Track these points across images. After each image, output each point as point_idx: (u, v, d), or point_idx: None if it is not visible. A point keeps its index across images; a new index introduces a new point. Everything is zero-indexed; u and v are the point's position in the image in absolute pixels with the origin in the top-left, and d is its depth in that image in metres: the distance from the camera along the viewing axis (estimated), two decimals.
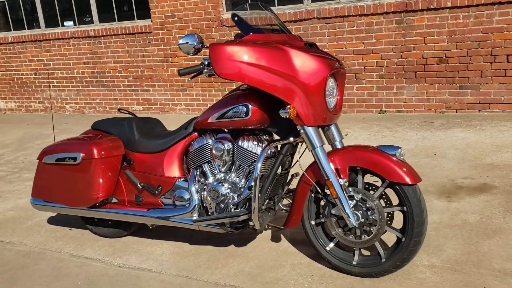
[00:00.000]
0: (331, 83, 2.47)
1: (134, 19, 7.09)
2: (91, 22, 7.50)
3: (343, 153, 2.43)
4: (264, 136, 2.66)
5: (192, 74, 2.52)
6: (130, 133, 2.97)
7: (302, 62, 2.34)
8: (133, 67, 7.24)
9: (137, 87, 7.33)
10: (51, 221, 3.66)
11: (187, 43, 2.41)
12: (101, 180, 2.90)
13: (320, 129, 2.51)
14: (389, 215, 2.47)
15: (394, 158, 2.34)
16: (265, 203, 2.64)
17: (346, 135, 5.04)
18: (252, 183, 2.56)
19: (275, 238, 3.02)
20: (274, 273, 2.64)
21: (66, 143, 3.01)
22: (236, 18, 2.46)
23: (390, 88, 5.71)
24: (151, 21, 6.87)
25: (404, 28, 5.45)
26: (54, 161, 2.97)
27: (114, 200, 3.05)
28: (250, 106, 2.49)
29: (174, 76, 6.98)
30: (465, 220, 3.00)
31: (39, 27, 8.01)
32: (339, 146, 2.63)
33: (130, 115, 3.13)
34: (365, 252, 2.65)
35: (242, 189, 2.64)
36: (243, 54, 2.33)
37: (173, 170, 2.84)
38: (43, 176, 3.06)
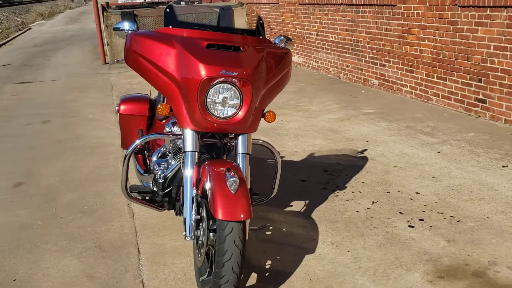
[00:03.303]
0: (223, 90, 2.31)
1: None
2: None
3: (207, 167, 2.30)
4: None
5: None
6: (157, 98, 3.45)
7: (184, 62, 2.30)
8: (377, 40, 7.11)
9: (378, 60, 7.18)
10: None
11: (119, 28, 2.65)
12: (129, 133, 3.55)
13: (196, 135, 2.39)
14: None
15: (226, 187, 2.09)
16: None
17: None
18: (174, 165, 2.75)
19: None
20: (182, 257, 2.82)
21: (124, 97, 3.73)
22: (168, 10, 2.51)
23: None
24: None
25: None
26: (117, 108, 3.78)
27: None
28: (162, 96, 2.61)
29: (406, 55, 6.51)
30: None
31: None
32: (238, 160, 2.44)
33: None
34: None
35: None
36: (138, 46, 2.44)
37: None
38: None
